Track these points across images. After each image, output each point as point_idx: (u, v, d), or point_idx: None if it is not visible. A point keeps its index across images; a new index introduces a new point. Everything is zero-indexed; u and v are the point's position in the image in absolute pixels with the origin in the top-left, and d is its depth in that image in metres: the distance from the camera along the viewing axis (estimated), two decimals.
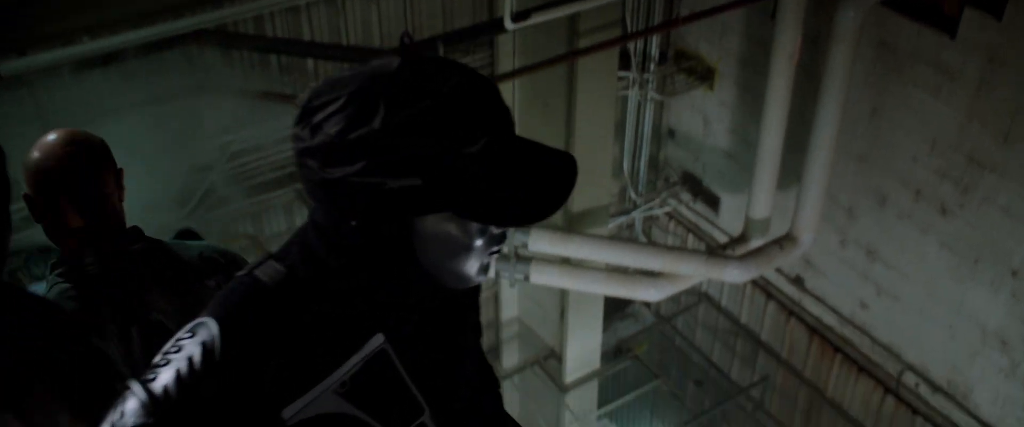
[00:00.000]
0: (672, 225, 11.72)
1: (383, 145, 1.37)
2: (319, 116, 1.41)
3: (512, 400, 11.40)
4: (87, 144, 2.77)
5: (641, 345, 11.90)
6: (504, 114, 1.48)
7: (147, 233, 2.96)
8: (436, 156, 1.38)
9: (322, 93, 1.44)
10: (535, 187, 1.46)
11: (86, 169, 2.75)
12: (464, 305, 1.92)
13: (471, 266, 1.57)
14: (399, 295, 1.61)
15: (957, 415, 8.92)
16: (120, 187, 2.89)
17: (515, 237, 8.37)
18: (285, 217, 9.10)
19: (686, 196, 11.30)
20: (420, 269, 1.55)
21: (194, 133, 7.78)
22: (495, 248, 1.59)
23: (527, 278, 8.70)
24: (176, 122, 7.43)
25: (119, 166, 2.89)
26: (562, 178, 1.49)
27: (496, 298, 11.28)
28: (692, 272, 8.44)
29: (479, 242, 1.53)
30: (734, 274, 8.34)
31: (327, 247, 1.54)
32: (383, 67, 1.43)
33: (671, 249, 9.22)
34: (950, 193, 8.13)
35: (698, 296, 11.47)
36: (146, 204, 7.81)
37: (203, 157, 7.95)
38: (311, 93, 1.46)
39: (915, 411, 9.29)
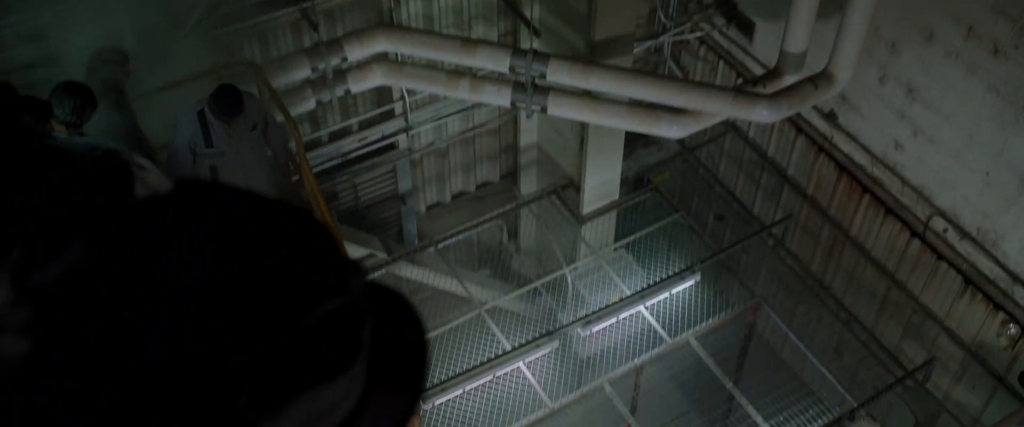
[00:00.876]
0: (703, 51, 11.11)
1: None
2: None
3: (529, 227, 11.29)
4: None
5: (664, 173, 11.60)
6: None
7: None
8: None
9: None
10: None
11: None
12: None
13: None
14: None
15: (983, 263, 8.66)
16: None
17: (533, 66, 7.91)
18: (293, 37, 8.66)
19: (719, 21, 10.63)
20: None
21: None
22: None
23: (544, 110, 8.31)
24: None
25: None
26: None
27: (515, 123, 10.94)
28: (718, 111, 7.98)
29: None
30: (763, 114, 7.88)
31: None
32: None
33: (697, 85, 8.70)
34: (1006, 32, 7.49)
35: (725, 126, 11.02)
36: (139, 26, 7.45)
37: None
38: None
39: (940, 256, 9.03)
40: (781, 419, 8.70)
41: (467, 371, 8.59)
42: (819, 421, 8.66)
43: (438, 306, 10.77)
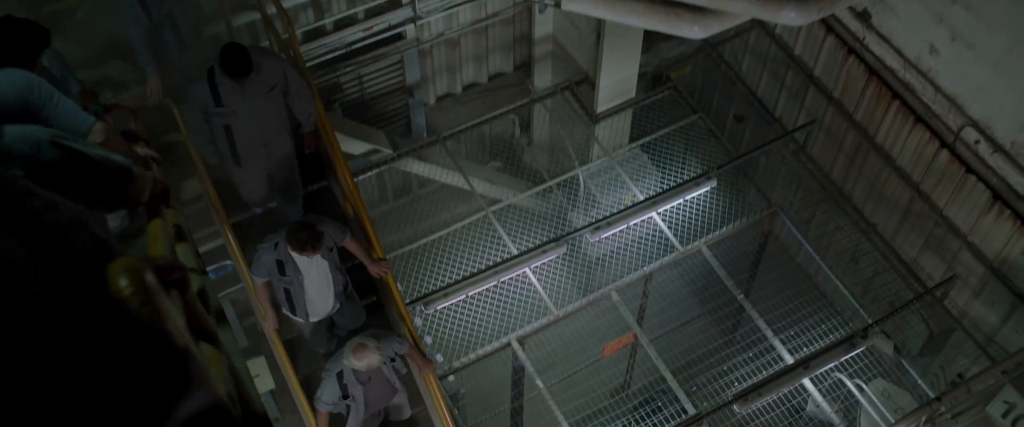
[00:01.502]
0: None
1: None
2: None
3: (541, 121, 10.89)
4: None
5: (684, 68, 11.08)
6: None
7: None
8: None
9: None
10: None
11: None
12: None
13: None
14: None
15: (1014, 178, 8.24)
16: None
17: None
18: None
19: None
20: None
21: None
22: None
23: (557, 4, 7.79)
24: None
25: None
26: None
27: (529, 12, 10.40)
28: (742, 12, 7.44)
29: None
30: (791, 16, 7.32)
31: None
32: None
33: None
34: None
35: (751, 22, 10.41)
36: None
37: None
38: None
39: (969, 169, 8.61)
40: (792, 333, 8.49)
41: (470, 276, 8.38)
42: (831, 336, 8.43)
43: (444, 203, 10.52)
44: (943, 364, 8.91)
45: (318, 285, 6.69)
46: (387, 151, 9.71)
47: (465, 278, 8.37)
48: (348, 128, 9.57)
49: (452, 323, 8.54)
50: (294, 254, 6.32)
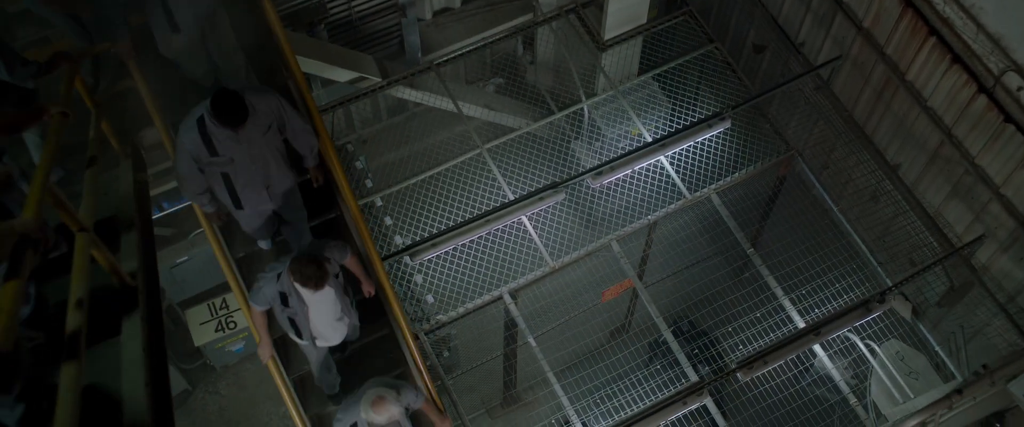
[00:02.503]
0: None
1: None
2: None
3: (546, 40, 10.10)
4: None
5: None
6: None
7: None
8: None
9: None
10: None
11: None
12: None
13: None
14: None
15: None
16: None
17: None
18: None
19: None
20: None
21: None
22: None
23: None
24: None
25: None
26: None
27: None
28: None
29: None
30: None
31: None
32: None
33: None
34: None
35: None
36: None
37: None
38: None
39: (1008, 118, 7.85)
40: (804, 292, 7.94)
41: (462, 225, 7.80)
42: (846, 297, 7.88)
43: (441, 122, 9.86)
44: (962, 321, 8.38)
45: (325, 315, 6.23)
46: (375, 79, 8.99)
47: (457, 226, 7.79)
48: (333, 54, 8.83)
49: (441, 273, 8.03)
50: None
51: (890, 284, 7.76)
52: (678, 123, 8.82)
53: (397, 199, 8.59)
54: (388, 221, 8.81)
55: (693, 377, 7.54)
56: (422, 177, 8.52)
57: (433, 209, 8.35)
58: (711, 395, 7.28)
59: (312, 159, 6.56)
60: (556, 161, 9.25)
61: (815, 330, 7.42)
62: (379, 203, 8.65)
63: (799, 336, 7.41)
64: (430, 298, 8.30)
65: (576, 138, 9.89)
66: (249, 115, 5.66)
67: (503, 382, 9.98)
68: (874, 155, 9.05)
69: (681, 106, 9.16)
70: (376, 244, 8.38)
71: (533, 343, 7.79)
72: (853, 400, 7.77)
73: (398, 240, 8.53)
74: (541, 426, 7.81)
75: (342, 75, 8.87)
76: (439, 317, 7.83)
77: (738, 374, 7.22)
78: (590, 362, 8.44)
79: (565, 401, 7.77)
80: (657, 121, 9.35)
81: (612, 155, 10.22)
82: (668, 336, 7.80)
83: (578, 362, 8.78)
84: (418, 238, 7.97)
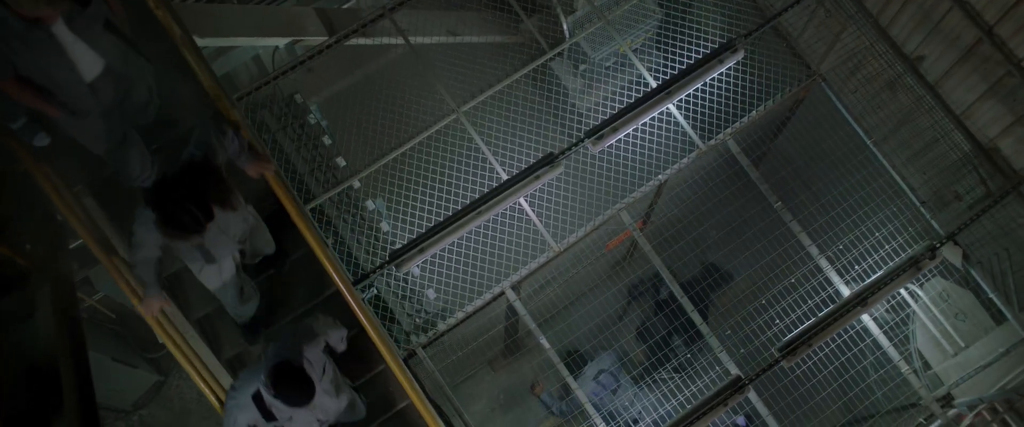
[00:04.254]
0: None
1: None
2: None
3: None
4: None
5: None
6: None
7: None
8: None
9: None
10: None
11: None
12: None
13: None
14: None
15: None
16: None
17: None
18: None
19: None
20: None
21: None
22: None
23: None
24: None
25: None
26: None
27: None
28: None
29: None
30: None
31: None
32: None
33: None
34: None
35: None
36: None
37: None
38: None
39: None
40: (840, 248, 7.04)
41: (450, 220, 6.69)
42: (888, 247, 6.99)
43: (408, 67, 8.50)
44: (1008, 247, 7.61)
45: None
46: (320, 38, 7.56)
47: (446, 222, 6.68)
48: (264, 16, 7.36)
49: (433, 276, 7.02)
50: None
51: (941, 233, 6.88)
52: (672, 47, 7.55)
53: (371, 186, 7.44)
54: (385, 227, 7.73)
55: (733, 369, 6.72)
56: (395, 155, 7.30)
57: (412, 197, 7.21)
58: (757, 391, 6.54)
59: (344, 344, 5.93)
60: (543, 111, 8.05)
61: (861, 299, 6.60)
62: (357, 185, 7.49)
63: (844, 308, 6.59)
64: (432, 293, 7.35)
65: (558, 59, 8.65)
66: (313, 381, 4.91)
67: (503, 340, 9.22)
68: (904, 69, 7.92)
69: (675, 19, 7.88)
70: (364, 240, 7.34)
71: (540, 336, 6.92)
72: (893, 352, 7.06)
73: (385, 226, 7.49)
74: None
75: (279, 39, 7.44)
76: (438, 327, 6.88)
77: (783, 364, 6.45)
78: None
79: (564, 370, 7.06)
80: (647, 37, 8.09)
81: (597, 77, 9.05)
82: (696, 318, 6.94)
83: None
84: (406, 237, 6.90)
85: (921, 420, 6.89)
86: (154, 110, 5.93)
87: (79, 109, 5.23)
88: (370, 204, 8.11)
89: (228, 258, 5.62)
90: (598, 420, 7.01)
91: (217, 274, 5.74)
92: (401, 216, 7.10)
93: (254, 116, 8.26)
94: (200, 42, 6.54)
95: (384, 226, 7.96)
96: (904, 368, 6.96)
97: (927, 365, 7.24)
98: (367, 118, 8.06)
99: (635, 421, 7.26)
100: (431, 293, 7.40)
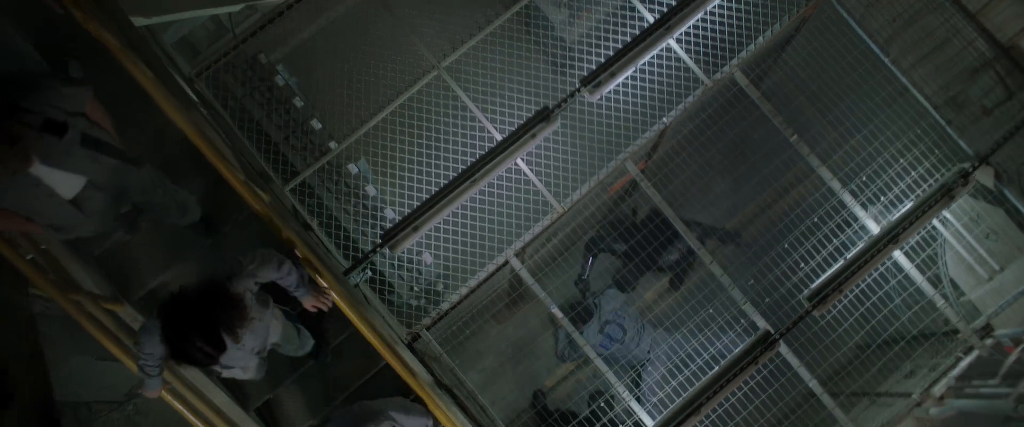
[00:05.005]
0: None
1: None
2: None
3: None
4: None
5: None
6: None
7: None
8: None
9: None
10: None
11: None
12: None
13: None
14: None
15: None
16: None
17: None
18: None
19: None
20: None
21: None
22: None
23: None
24: None
25: None
26: None
27: None
28: None
29: None
30: None
31: None
32: None
33: None
34: None
35: None
36: None
37: None
38: None
39: None
40: (863, 179, 6.55)
41: (445, 190, 6.14)
42: (915, 173, 6.50)
43: (364, 38, 7.80)
44: None
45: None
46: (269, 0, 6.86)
47: (437, 195, 6.13)
48: None
49: (432, 251, 6.51)
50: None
51: (971, 154, 6.39)
52: None
53: (351, 147, 6.86)
54: (372, 191, 7.19)
55: (761, 323, 6.29)
56: (375, 122, 6.70)
57: (398, 162, 6.65)
58: (787, 343, 6.13)
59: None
60: (532, 53, 7.41)
61: (892, 237, 6.15)
62: (334, 145, 6.92)
63: (875, 246, 6.14)
64: (428, 257, 6.87)
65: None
66: None
67: (507, 295, 8.78)
68: None
69: None
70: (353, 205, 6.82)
71: (551, 305, 6.47)
72: (927, 287, 6.65)
73: (371, 190, 6.96)
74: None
75: (228, 9, 6.73)
76: (442, 306, 6.41)
77: (814, 313, 6.03)
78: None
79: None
80: None
81: (582, 1, 8.41)
82: (678, 225, 6.46)
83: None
84: (396, 208, 6.36)
85: (959, 353, 6.52)
86: (163, 194, 5.39)
87: (64, 226, 4.68)
88: (353, 167, 7.56)
89: (250, 361, 5.19)
90: (612, 377, 6.61)
91: (241, 373, 5.34)
92: (389, 187, 6.56)
93: (217, 82, 7.63)
94: (143, 22, 5.87)
95: (371, 190, 7.43)
96: (940, 302, 6.57)
97: (960, 292, 6.85)
98: (339, 74, 7.45)
99: (663, 380, 6.88)
100: (428, 257, 6.92)
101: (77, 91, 4.49)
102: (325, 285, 5.26)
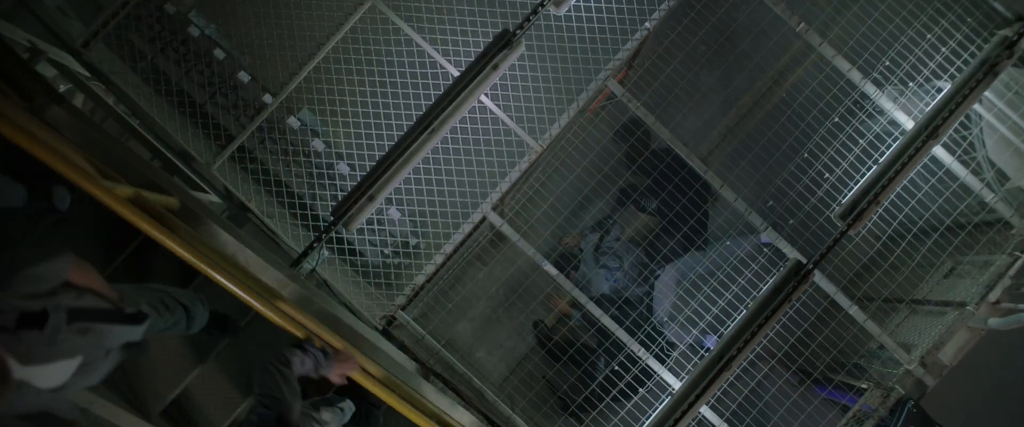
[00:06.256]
0: None
1: None
2: None
3: None
4: None
5: None
6: None
7: None
8: None
9: None
10: None
11: None
12: None
13: None
14: None
15: None
16: None
17: None
18: None
19: None
20: None
21: None
22: None
23: None
24: None
25: None
26: None
27: None
28: None
29: None
30: None
31: None
32: None
33: None
34: None
35: None
36: None
37: None
38: None
39: None
40: (886, 63, 5.56)
41: (393, 153, 5.14)
42: (944, 50, 5.51)
43: None
44: None
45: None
46: None
47: (391, 152, 5.14)
48: None
49: (401, 207, 5.56)
50: None
51: (1011, 17, 5.40)
52: None
53: (293, 104, 5.83)
54: (319, 146, 6.19)
55: (792, 253, 5.38)
56: (308, 70, 5.65)
57: (341, 116, 5.63)
58: (820, 270, 5.26)
59: None
60: None
61: (931, 131, 5.21)
62: (268, 99, 5.90)
63: (912, 143, 5.21)
64: (395, 212, 5.96)
65: None
66: None
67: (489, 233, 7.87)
68: None
69: None
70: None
71: (543, 262, 5.56)
72: (973, 181, 5.76)
73: (318, 145, 5.99)
74: None
75: None
76: (417, 279, 5.48)
77: (851, 233, 5.15)
78: None
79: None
80: None
81: None
82: (678, 148, 5.53)
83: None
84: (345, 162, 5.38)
85: (1017, 252, 5.65)
86: (169, 315, 4.39)
87: (62, 410, 3.70)
88: (294, 121, 6.55)
89: None
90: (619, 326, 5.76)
91: None
92: (343, 139, 5.56)
93: (120, 43, 6.56)
94: None
95: (317, 145, 6.44)
96: (988, 196, 5.69)
97: (1006, 180, 5.95)
98: (263, 16, 6.38)
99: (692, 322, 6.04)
100: (395, 212, 6.00)
101: (52, 265, 3.52)
102: (339, 346, 4.44)
